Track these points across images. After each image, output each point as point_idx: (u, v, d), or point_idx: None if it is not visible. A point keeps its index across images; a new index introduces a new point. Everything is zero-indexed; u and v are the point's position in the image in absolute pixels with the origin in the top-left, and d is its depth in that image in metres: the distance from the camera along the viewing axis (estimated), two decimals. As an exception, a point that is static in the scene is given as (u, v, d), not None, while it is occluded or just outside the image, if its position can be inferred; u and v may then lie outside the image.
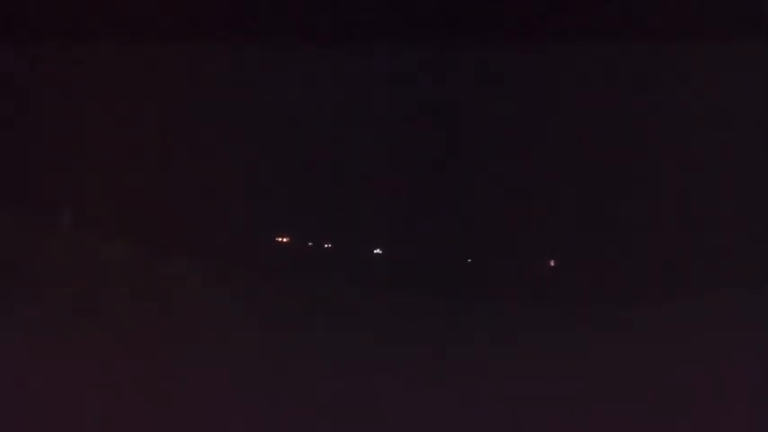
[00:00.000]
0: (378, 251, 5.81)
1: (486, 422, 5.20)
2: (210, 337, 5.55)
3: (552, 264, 5.70)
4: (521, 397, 5.25)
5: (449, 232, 5.75)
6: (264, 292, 5.73)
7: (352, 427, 5.22)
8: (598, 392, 5.22)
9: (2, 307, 5.67)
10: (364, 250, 5.83)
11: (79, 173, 6.04)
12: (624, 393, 5.22)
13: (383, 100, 5.85)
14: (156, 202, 5.93)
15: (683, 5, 5.57)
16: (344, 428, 5.21)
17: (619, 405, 5.18)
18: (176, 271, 5.81)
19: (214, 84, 6.03)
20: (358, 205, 5.81)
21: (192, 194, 5.97)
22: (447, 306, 5.59)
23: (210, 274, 5.81)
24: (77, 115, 6.07)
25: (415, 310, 5.61)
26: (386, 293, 5.66)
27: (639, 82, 5.71)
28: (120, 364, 5.46)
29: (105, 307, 5.68)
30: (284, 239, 5.93)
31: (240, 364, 5.45)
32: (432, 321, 5.55)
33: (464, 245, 5.75)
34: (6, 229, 5.98)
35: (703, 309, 5.39)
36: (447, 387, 5.33)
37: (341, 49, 5.90)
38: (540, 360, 5.34)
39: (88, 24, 5.99)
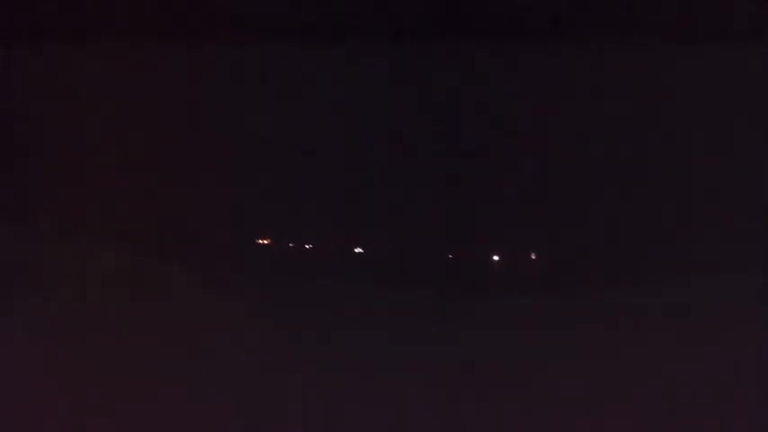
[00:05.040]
0: (372, 249, 5.83)
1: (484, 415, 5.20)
2: (204, 336, 5.55)
3: (547, 257, 5.75)
4: (519, 388, 5.27)
5: (445, 229, 5.78)
6: (257, 291, 5.75)
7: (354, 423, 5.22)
8: (594, 383, 5.25)
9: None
10: (360, 248, 5.85)
11: (77, 173, 6.05)
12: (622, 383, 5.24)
13: (382, 99, 5.88)
14: (152, 202, 5.95)
15: (685, 6, 5.63)
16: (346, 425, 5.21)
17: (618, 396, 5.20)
18: (173, 272, 5.83)
19: (213, 84, 6.05)
20: (355, 203, 5.84)
21: (190, 195, 5.99)
22: (443, 302, 5.64)
23: (202, 274, 5.84)
24: (75, 116, 6.09)
25: (412, 306, 5.64)
26: (381, 290, 5.70)
27: (638, 82, 5.75)
28: (118, 363, 5.45)
29: (104, 309, 5.69)
30: (282, 239, 5.94)
31: (237, 361, 5.45)
32: (429, 317, 5.59)
33: (459, 241, 5.79)
34: (5, 228, 6.00)
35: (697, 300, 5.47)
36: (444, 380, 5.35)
37: (341, 49, 5.93)
38: (536, 352, 5.38)
39: (88, 24, 6.02)
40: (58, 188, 6.10)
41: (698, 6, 5.63)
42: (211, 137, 6.02)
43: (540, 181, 5.79)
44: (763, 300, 5.45)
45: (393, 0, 5.83)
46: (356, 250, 5.90)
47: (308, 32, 5.91)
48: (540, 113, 5.82)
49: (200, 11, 5.95)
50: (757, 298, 5.46)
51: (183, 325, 5.59)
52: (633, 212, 5.70)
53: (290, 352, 5.45)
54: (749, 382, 5.21)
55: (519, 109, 5.82)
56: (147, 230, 5.93)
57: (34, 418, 5.20)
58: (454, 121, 5.85)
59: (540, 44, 5.79)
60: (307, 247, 5.95)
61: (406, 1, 5.84)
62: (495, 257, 5.78)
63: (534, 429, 5.12)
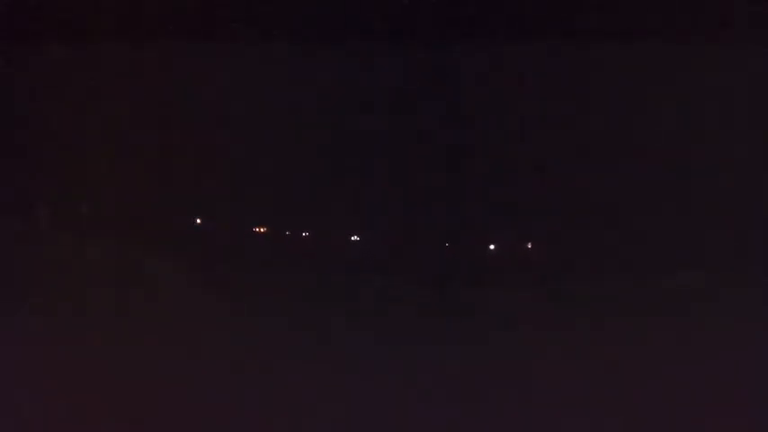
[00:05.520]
0: (367, 240, 5.85)
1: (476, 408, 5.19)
2: (202, 333, 5.55)
3: (538, 248, 5.76)
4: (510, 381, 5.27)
5: (444, 225, 5.80)
6: (254, 288, 5.75)
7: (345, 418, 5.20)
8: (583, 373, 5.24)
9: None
10: (354, 239, 5.87)
11: (75, 169, 6.07)
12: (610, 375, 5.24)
13: (380, 98, 5.90)
14: (153, 199, 5.97)
15: (685, 6, 5.66)
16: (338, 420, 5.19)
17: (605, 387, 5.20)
18: (167, 265, 5.84)
19: (213, 83, 6.06)
20: (354, 201, 5.86)
21: (189, 189, 6.00)
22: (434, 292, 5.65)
23: (198, 271, 5.85)
24: (75, 115, 6.10)
25: (403, 295, 5.65)
26: (374, 280, 5.71)
27: (636, 80, 5.78)
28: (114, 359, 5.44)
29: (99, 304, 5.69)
30: (280, 237, 5.96)
31: (236, 358, 5.43)
32: (420, 307, 5.60)
33: (458, 237, 5.80)
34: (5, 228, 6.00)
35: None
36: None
37: (341, 49, 5.95)
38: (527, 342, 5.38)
39: (89, 24, 6.04)
40: (57, 187, 6.11)
41: (698, 6, 5.66)
42: (211, 136, 6.03)
43: (541, 179, 5.80)
44: (763, 300, 5.46)
45: (393, 0, 5.87)
46: (354, 248, 5.90)
47: (308, 32, 5.93)
48: (539, 113, 5.84)
49: (201, 10, 5.98)
50: (757, 298, 5.46)
51: (180, 323, 5.59)
52: (632, 211, 5.71)
53: (289, 349, 5.44)
54: (748, 382, 5.20)
55: (518, 108, 5.84)
56: (146, 228, 5.95)
57: (34, 417, 5.19)
58: (453, 119, 5.87)
59: (540, 44, 5.81)
60: (305, 243, 5.95)
61: (406, 1, 5.89)
62: (494, 255, 5.77)
63: (533, 427, 5.10)
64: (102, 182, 6.03)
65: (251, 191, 5.96)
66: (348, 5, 5.86)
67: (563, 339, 5.36)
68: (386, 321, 5.51)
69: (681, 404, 5.07)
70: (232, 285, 5.79)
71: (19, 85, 6.17)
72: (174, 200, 6.00)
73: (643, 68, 5.73)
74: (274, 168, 5.93)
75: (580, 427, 5.07)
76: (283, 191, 5.93)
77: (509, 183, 5.78)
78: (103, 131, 6.05)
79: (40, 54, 6.14)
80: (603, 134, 5.75)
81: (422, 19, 5.87)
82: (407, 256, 5.78)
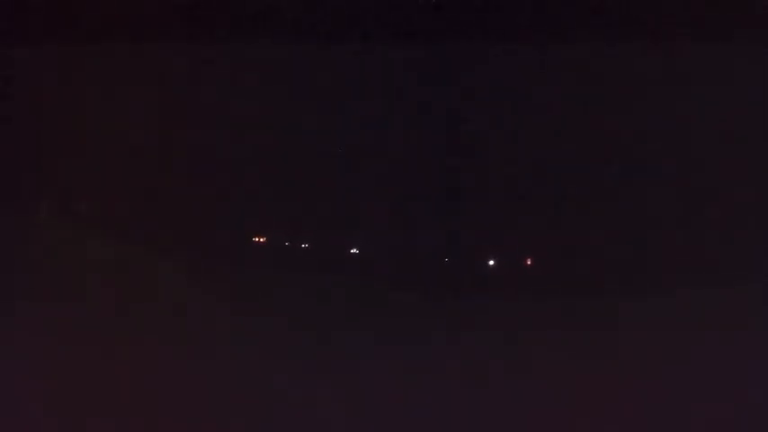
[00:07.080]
0: (369, 250, 5.86)
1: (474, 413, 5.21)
2: (202, 335, 5.57)
3: (545, 259, 5.76)
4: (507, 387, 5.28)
5: (444, 229, 5.81)
6: (255, 291, 5.77)
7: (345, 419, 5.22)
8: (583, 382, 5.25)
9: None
10: (355, 249, 5.88)
11: (77, 170, 6.08)
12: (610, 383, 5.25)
13: (379, 98, 5.90)
14: (152, 199, 5.98)
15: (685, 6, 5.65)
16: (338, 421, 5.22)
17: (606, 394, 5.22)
18: (169, 268, 5.86)
19: (213, 83, 6.06)
20: (351, 204, 5.87)
21: (188, 192, 6.01)
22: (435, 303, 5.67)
23: (200, 273, 5.87)
24: (76, 114, 6.11)
25: (404, 306, 5.67)
26: (375, 290, 5.72)
27: (637, 81, 5.77)
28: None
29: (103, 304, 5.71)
30: (276, 238, 5.97)
31: (236, 361, 5.45)
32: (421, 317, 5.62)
33: (452, 243, 5.82)
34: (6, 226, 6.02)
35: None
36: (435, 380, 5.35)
37: (341, 48, 5.95)
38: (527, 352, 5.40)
39: (89, 24, 6.04)
40: (56, 187, 6.12)
41: (698, 6, 5.66)
42: (210, 136, 6.04)
43: (539, 182, 5.80)
44: (764, 300, 5.47)
45: (394, 1, 5.87)
46: (353, 251, 5.91)
47: (308, 32, 5.93)
48: (538, 114, 5.83)
49: (201, 10, 5.97)
50: (757, 298, 5.47)
51: (180, 324, 5.62)
52: (632, 213, 5.72)
53: (288, 352, 5.46)
54: (749, 383, 5.21)
55: (518, 110, 5.83)
56: (147, 229, 5.97)
57: (34, 416, 5.21)
58: (453, 122, 5.87)
59: (539, 45, 5.80)
60: (305, 246, 5.96)
61: (406, 2, 5.88)
62: (493, 259, 5.78)
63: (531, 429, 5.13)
64: (101, 181, 6.05)
65: (250, 197, 5.97)
66: (348, 5, 5.86)
67: (562, 348, 5.37)
68: (385, 328, 5.53)
69: (679, 412, 5.09)
70: (233, 289, 5.81)
71: (18, 84, 6.17)
72: (174, 200, 6.00)
73: (644, 71, 5.73)
74: (272, 174, 5.94)
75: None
76: (283, 197, 5.95)
77: (510, 188, 5.79)
78: (103, 131, 6.06)
79: (40, 53, 6.14)
80: (605, 139, 5.75)
81: (422, 20, 5.86)
82: (408, 264, 5.79)
